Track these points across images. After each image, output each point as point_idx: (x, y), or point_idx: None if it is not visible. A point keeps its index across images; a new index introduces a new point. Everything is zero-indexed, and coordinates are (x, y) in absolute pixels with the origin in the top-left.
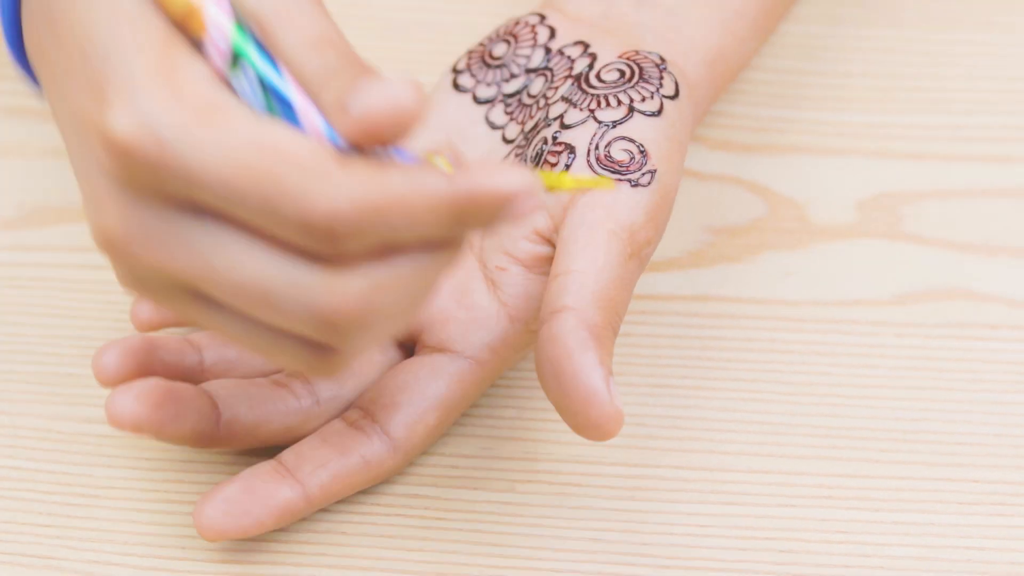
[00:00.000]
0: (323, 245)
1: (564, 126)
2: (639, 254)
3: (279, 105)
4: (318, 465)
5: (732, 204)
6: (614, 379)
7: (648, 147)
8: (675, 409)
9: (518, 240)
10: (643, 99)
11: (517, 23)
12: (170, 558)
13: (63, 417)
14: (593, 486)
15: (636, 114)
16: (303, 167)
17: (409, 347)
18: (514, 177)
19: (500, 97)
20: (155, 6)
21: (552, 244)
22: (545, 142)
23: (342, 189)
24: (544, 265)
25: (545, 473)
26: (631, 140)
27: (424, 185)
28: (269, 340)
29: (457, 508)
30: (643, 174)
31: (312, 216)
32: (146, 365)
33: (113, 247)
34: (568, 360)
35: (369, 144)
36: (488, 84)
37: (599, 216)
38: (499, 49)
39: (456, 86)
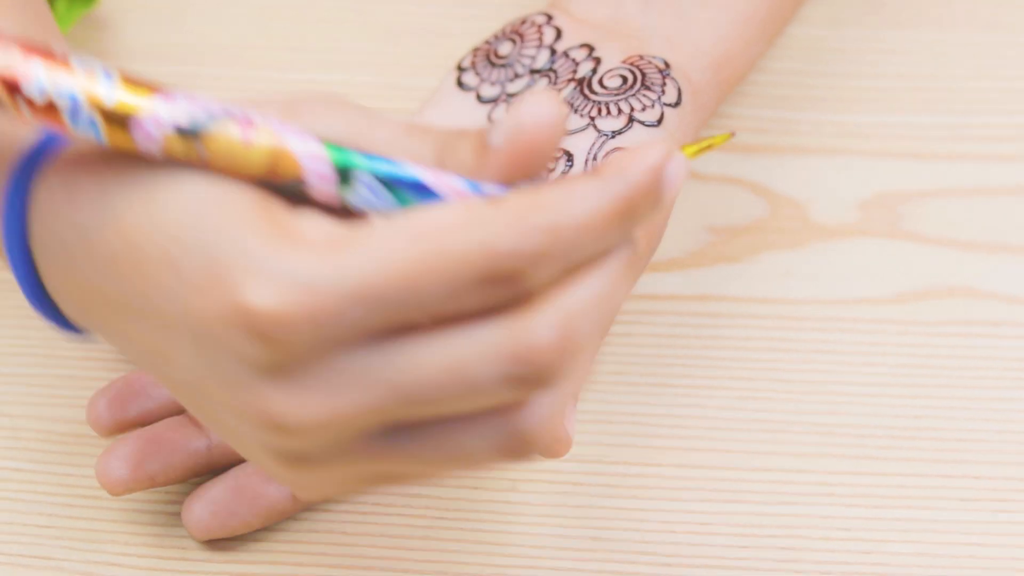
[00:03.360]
0: (508, 290)
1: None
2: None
3: (411, 192)
4: None
5: (733, 204)
6: (575, 406)
7: None
8: (676, 408)
9: None
10: (643, 108)
11: (524, 22)
12: (170, 558)
13: (64, 419)
14: (594, 485)
15: (636, 124)
16: (464, 226)
17: None
18: (656, 152)
19: (504, 97)
20: (229, 181)
21: None
22: None
23: (512, 226)
24: None
25: (546, 472)
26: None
27: (587, 196)
28: (462, 442)
29: (458, 507)
30: None
31: (492, 263)
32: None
33: (287, 427)
34: None
35: (525, 172)
36: (492, 83)
37: None
38: (504, 48)
39: (460, 84)
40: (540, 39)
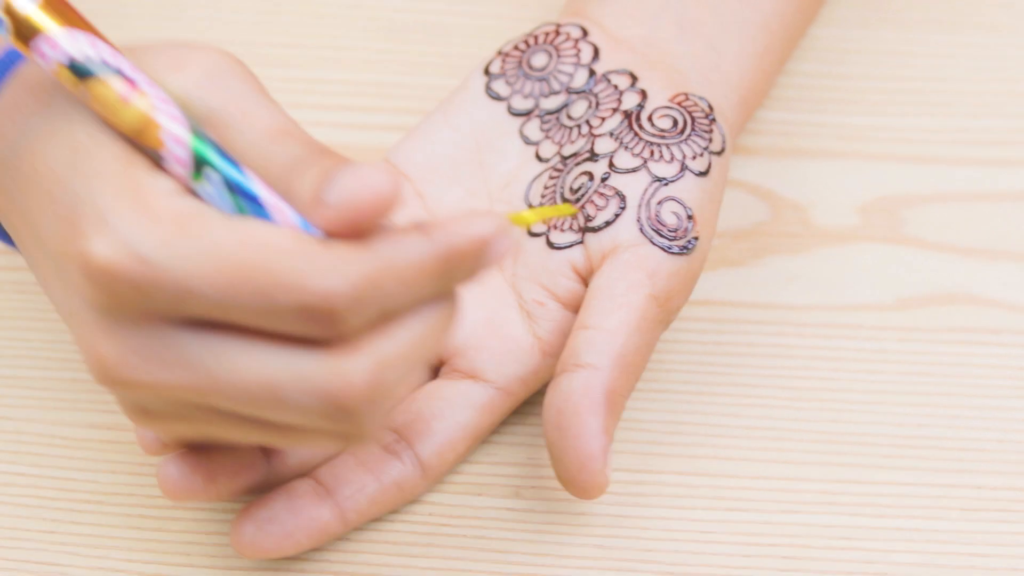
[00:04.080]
0: (324, 328)
1: (613, 167)
2: (667, 320)
3: (248, 204)
4: (356, 489)
5: (735, 207)
6: (611, 444)
7: (695, 212)
8: (678, 414)
9: (557, 276)
10: (694, 156)
11: (558, 33)
12: (174, 564)
13: (67, 422)
14: None
15: (687, 173)
16: (291, 254)
17: (436, 365)
18: (487, 223)
19: (537, 112)
20: (110, 130)
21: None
22: (590, 178)
23: (335, 268)
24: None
25: (549, 479)
26: (680, 203)
27: (409, 249)
28: (287, 436)
29: (461, 514)
30: (687, 241)
31: (310, 299)
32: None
33: (112, 378)
34: (575, 419)
35: (347, 233)
36: (525, 96)
37: (640, 278)
38: (539, 60)
39: (489, 91)
40: (578, 56)
